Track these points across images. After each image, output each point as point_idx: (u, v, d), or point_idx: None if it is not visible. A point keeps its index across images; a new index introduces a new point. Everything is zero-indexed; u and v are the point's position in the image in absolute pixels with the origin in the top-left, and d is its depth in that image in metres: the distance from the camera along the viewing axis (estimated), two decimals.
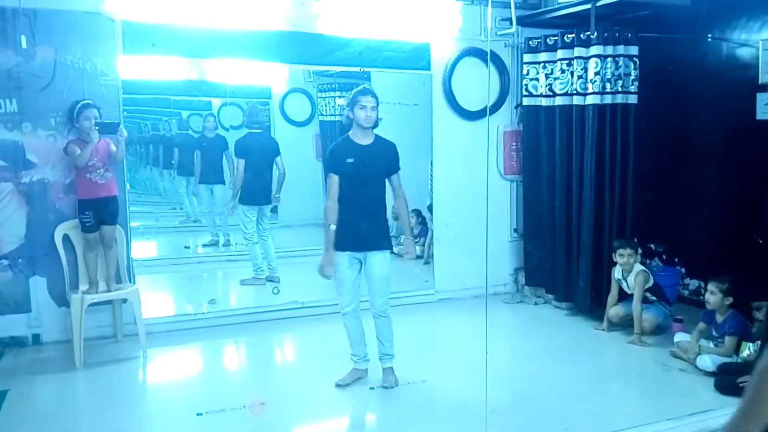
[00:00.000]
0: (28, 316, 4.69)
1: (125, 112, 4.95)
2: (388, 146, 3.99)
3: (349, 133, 3.91)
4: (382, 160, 3.92)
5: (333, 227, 3.84)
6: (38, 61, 4.56)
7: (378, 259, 3.90)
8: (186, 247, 7.65)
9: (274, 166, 6.23)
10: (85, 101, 4.52)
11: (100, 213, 4.51)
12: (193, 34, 4.97)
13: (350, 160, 3.82)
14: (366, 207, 3.89)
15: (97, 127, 4.42)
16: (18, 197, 4.61)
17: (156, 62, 5.31)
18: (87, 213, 4.48)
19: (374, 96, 3.85)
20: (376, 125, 3.89)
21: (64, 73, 4.63)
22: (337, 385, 4.01)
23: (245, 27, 5.10)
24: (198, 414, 3.65)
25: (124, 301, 4.74)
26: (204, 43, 5.04)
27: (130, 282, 4.84)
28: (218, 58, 5.30)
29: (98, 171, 4.47)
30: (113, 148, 4.57)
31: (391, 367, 4.07)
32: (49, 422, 3.62)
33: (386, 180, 3.98)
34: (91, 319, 4.59)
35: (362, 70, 5.55)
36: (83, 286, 4.61)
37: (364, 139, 3.88)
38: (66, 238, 4.64)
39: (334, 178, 3.85)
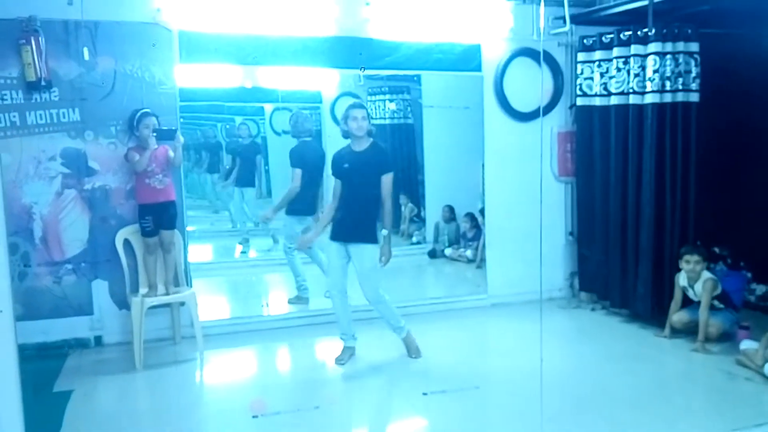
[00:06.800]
0: (91, 318, 4.86)
1: (182, 119, 5.06)
2: (379, 151, 4.49)
3: (350, 141, 4.48)
4: (374, 163, 4.41)
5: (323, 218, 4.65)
6: (99, 71, 4.72)
7: (359, 252, 4.37)
8: (243, 252, 7.79)
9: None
10: (144, 110, 4.65)
11: (159, 217, 4.63)
12: (247, 42, 5.06)
13: (346, 165, 4.42)
14: (355, 205, 4.40)
15: (155, 134, 4.55)
16: (81, 203, 4.78)
17: (211, 70, 5.41)
18: (147, 218, 4.61)
19: (363, 108, 4.47)
20: (370, 133, 4.43)
21: (124, 83, 4.78)
22: (338, 363, 4.50)
23: (297, 34, 5.16)
24: (254, 416, 3.70)
25: (182, 303, 4.85)
26: (257, 51, 5.11)
27: (187, 285, 4.95)
28: (271, 66, 5.38)
29: (157, 176, 4.59)
30: (171, 154, 4.68)
31: (407, 336, 4.58)
32: (112, 421, 3.73)
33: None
34: (151, 322, 4.70)
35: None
36: (143, 290, 4.74)
37: (359, 146, 4.42)
38: (126, 243, 4.78)
39: (336, 181, 4.51)
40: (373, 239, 4.39)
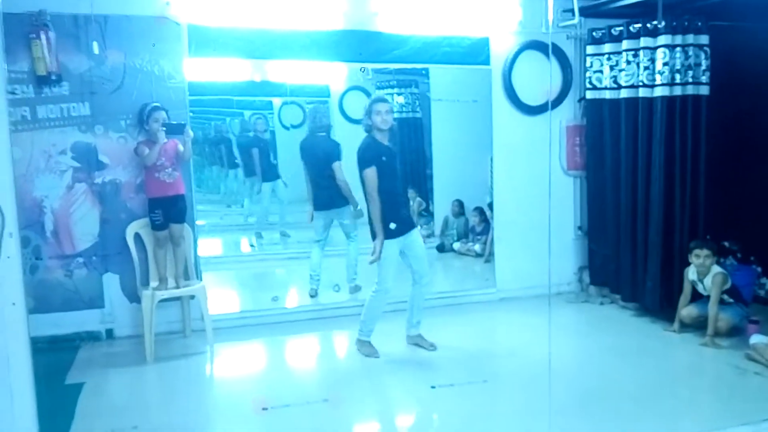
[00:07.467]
0: (102, 311, 4.89)
1: (191, 113, 5.08)
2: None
3: (373, 135, 4.36)
4: (398, 156, 4.49)
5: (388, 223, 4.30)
6: (109, 65, 4.74)
7: (416, 236, 4.48)
8: (252, 246, 7.83)
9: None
10: (154, 104, 4.67)
11: (168, 211, 4.65)
12: (255, 36, 5.07)
13: (384, 159, 4.29)
14: (401, 197, 4.53)
15: (164, 128, 4.56)
16: (91, 197, 4.81)
17: (220, 64, 5.42)
18: (156, 211, 4.64)
19: (387, 102, 4.42)
20: (392, 129, 4.37)
21: (133, 77, 4.79)
22: (368, 355, 4.51)
23: (305, 27, 5.16)
24: (263, 408, 3.73)
25: (192, 297, 4.88)
26: (266, 45, 5.13)
27: (197, 279, 4.98)
28: (279, 59, 5.39)
29: (166, 170, 4.61)
30: (180, 148, 4.70)
31: (420, 332, 4.67)
32: (122, 413, 3.76)
33: None
34: (161, 315, 4.73)
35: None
36: (153, 283, 4.76)
37: (385, 140, 4.37)
38: (137, 237, 4.80)
39: (374, 171, 4.23)
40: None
